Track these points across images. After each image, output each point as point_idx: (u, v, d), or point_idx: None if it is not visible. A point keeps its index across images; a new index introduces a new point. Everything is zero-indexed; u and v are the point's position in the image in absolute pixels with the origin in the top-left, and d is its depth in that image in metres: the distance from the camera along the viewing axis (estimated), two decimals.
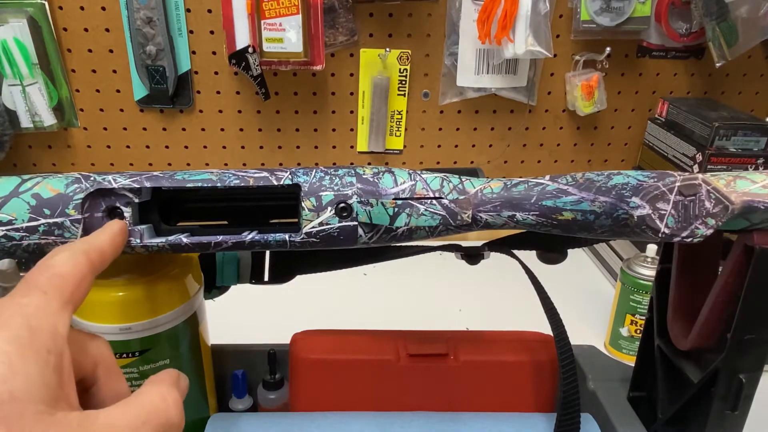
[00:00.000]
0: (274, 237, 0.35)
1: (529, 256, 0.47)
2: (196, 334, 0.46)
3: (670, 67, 0.95)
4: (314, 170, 0.35)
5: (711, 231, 0.32)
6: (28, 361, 0.20)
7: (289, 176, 0.35)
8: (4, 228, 0.33)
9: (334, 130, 0.96)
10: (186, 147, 0.95)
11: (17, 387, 0.19)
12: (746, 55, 0.92)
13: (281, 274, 0.49)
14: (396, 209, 0.34)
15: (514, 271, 0.46)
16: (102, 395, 0.26)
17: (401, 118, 0.95)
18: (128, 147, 0.95)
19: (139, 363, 0.42)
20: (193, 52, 0.88)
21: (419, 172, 0.36)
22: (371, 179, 0.35)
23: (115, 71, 0.89)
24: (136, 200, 0.35)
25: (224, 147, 0.96)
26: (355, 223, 0.34)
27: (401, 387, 0.49)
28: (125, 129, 0.93)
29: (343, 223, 0.35)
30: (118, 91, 0.90)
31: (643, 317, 0.64)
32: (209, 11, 0.86)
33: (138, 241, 0.35)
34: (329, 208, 0.34)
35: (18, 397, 0.19)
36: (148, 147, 0.95)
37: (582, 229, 0.35)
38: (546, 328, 0.46)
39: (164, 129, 0.94)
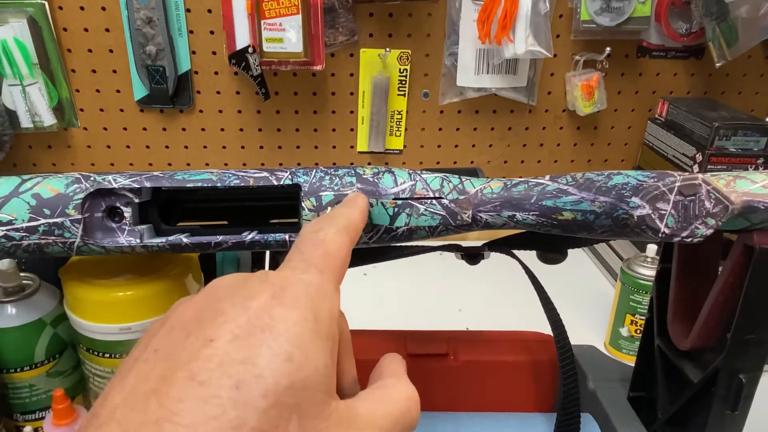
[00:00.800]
0: (274, 237, 0.35)
1: (529, 256, 0.47)
2: None
3: (670, 67, 0.95)
4: (314, 170, 0.35)
5: (711, 231, 0.32)
6: (316, 348, 0.20)
7: (289, 176, 0.35)
8: (4, 228, 0.33)
9: (334, 130, 0.96)
10: (186, 147, 0.95)
11: (308, 376, 0.19)
12: (746, 55, 0.92)
13: None
14: (396, 209, 0.34)
15: (514, 271, 0.46)
16: (338, 374, 0.25)
17: (401, 118, 0.95)
18: (128, 147, 0.95)
19: None
20: (193, 52, 0.88)
21: (419, 172, 0.36)
22: (371, 179, 0.35)
23: (115, 71, 0.89)
24: (136, 200, 0.35)
25: (224, 147, 0.96)
26: None
27: None
28: (125, 129, 0.93)
29: None
30: (118, 91, 0.90)
31: (643, 317, 0.64)
32: (209, 11, 0.86)
33: (138, 241, 0.35)
34: (329, 208, 0.34)
35: (308, 385, 0.19)
36: (148, 147, 0.95)
37: (582, 229, 0.35)
38: (546, 328, 0.46)
39: (164, 129, 0.94)
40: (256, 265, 0.49)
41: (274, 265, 0.49)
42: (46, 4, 0.82)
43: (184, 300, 0.22)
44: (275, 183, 0.35)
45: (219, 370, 0.18)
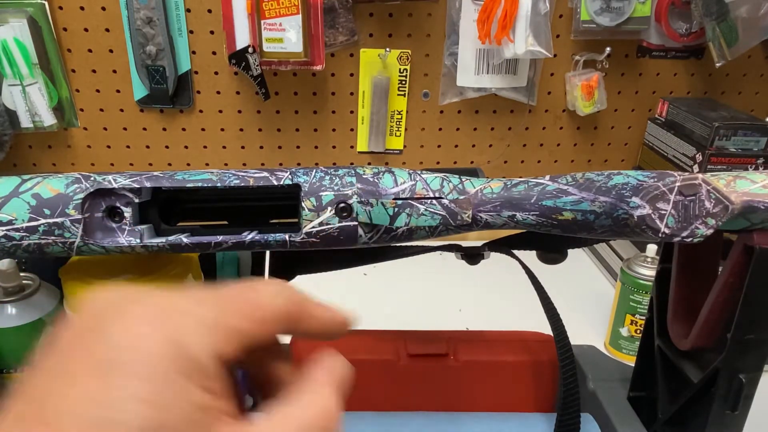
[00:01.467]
0: (274, 237, 0.35)
1: (529, 256, 0.47)
2: None
3: (670, 67, 0.95)
4: (314, 170, 0.35)
5: (711, 231, 0.32)
6: (179, 386, 0.19)
7: (289, 176, 0.35)
8: (4, 228, 0.33)
9: (334, 130, 0.96)
10: (186, 147, 0.95)
11: (167, 417, 0.18)
12: (746, 55, 0.92)
13: (281, 274, 0.49)
14: (396, 209, 0.34)
15: (514, 271, 0.46)
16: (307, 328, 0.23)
17: (401, 118, 0.95)
18: (128, 147, 0.95)
19: None
20: (193, 52, 0.88)
21: (419, 172, 0.36)
22: (371, 179, 0.35)
23: (115, 71, 0.89)
24: (136, 200, 0.35)
25: (224, 147, 0.96)
26: (355, 223, 0.34)
27: (401, 387, 0.49)
28: (125, 129, 0.93)
29: (343, 223, 0.35)
30: (118, 91, 0.90)
31: (643, 317, 0.64)
32: (209, 11, 0.86)
33: (138, 241, 0.35)
34: (329, 208, 0.34)
35: (166, 425, 0.18)
36: (148, 147, 0.95)
37: (582, 229, 0.35)
38: (546, 328, 0.46)
39: (164, 129, 0.94)
40: (256, 264, 0.49)
41: (274, 263, 0.49)
42: (46, 4, 0.82)
43: (72, 318, 0.21)
44: (275, 183, 0.35)
45: (72, 414, 0.17)
